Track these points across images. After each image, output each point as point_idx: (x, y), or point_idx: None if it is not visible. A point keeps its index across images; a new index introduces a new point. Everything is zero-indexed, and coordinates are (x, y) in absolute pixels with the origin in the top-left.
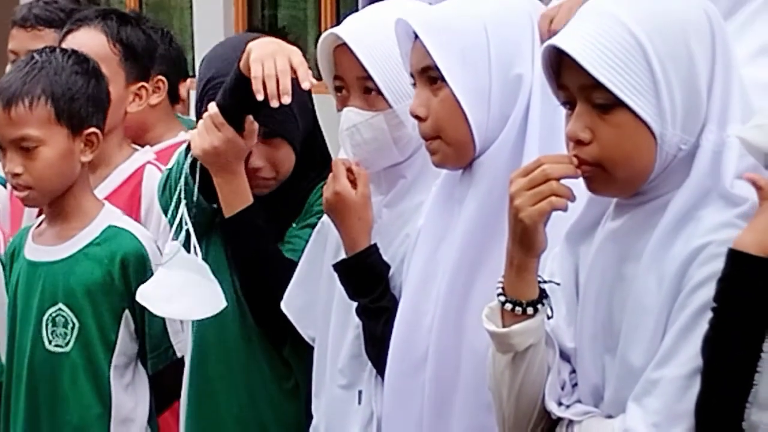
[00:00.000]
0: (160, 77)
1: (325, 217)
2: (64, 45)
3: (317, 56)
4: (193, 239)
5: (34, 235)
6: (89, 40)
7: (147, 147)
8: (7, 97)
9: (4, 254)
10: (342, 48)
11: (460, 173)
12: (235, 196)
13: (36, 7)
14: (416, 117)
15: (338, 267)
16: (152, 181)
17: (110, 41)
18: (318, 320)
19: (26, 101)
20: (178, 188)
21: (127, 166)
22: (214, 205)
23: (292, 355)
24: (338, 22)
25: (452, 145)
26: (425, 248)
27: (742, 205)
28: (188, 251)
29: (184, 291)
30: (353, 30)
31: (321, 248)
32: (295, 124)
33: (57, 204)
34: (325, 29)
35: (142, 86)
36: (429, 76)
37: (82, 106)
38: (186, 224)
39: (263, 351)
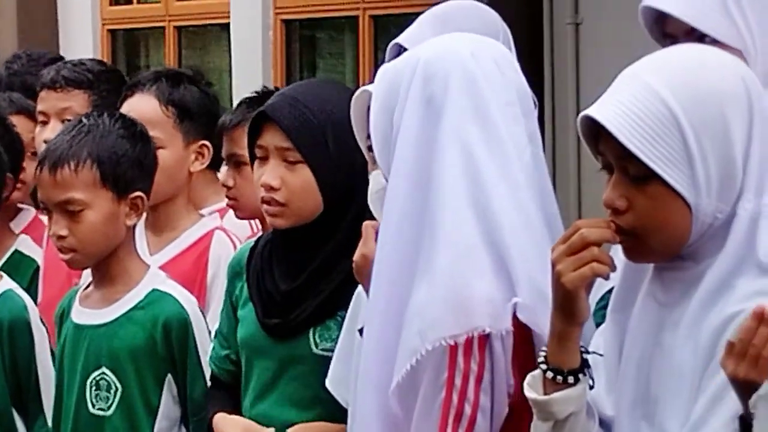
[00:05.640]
0: (204, 142)
1: (358, 289)
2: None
3: (351, 113)
4: None
5: (81, 297)
6: (142, 105)
7: (215, 213)
8: (53, 160)
9: (54, 316)
10: None
11: None
12: None
13: (64, 69)
14: None
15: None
16: (220, 247)
17: (162, 104)
18: (352, 387)
19: (72, 164)
20: None
21: (194, 231)
22: None
23: None
24: None
25: None
26: None
27: None
28: None
29: None
30: None
31: (356, 317)
32: (328, 163)
33: (102, 267)
34: None
35: (203, 144)
36: None
37: (127, 169)
38: None
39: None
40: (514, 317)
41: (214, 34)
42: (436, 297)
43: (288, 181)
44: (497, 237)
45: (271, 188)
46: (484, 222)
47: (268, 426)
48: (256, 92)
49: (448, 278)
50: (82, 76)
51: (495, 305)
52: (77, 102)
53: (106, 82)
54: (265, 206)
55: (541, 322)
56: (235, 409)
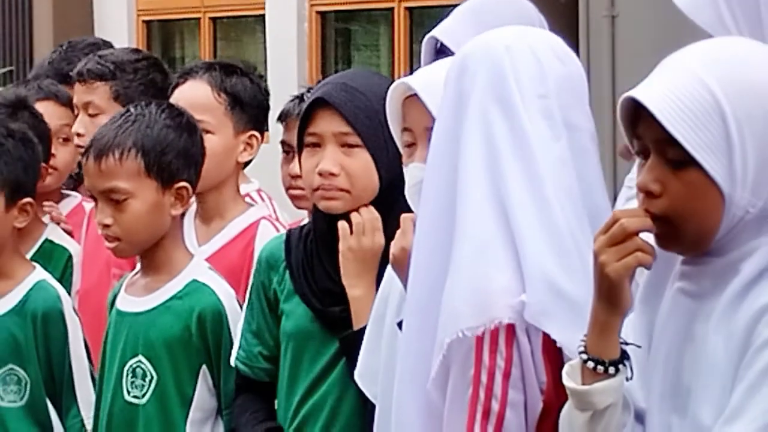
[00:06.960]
0: (253, 133)
1: (387, 275)
2: (171, 99)
3: (386, 106)
4: None
5: (127, 284)
6: (194, 91)
7: (264, 202)
8: (98, 149)
9: (106, 301)
10: (412, 99)
11: None
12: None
13: (90, 62)
14: None
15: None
16: (266, 237)
17: (215, 91)
18: (380, 377)
19: (116, 153)
20: None
21: (242, 220)
22: None
23: None
24: None
25: None
26: None
27: None
28: None
29: None
30: (424, 80)
31: (384, 306)
32: (384, 146)
33: (147, 256)
34: None
35: (252, 135)
36: None
37: (172, 159)
38: None
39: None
40: None
41: (250, 25)
42: (456, 290)
43: (347, 166)
44: (514, 231)
45: (331, 174)
46: (503, 216)
47: (321, 412)
48: (319, 81)
49: (467, 271)
50: (104, 68)
51: (515, 297)
52: (98, 95)
53: (132, 72)
54: (320, 191)
55: (550, 320)
56: (269, 416)
